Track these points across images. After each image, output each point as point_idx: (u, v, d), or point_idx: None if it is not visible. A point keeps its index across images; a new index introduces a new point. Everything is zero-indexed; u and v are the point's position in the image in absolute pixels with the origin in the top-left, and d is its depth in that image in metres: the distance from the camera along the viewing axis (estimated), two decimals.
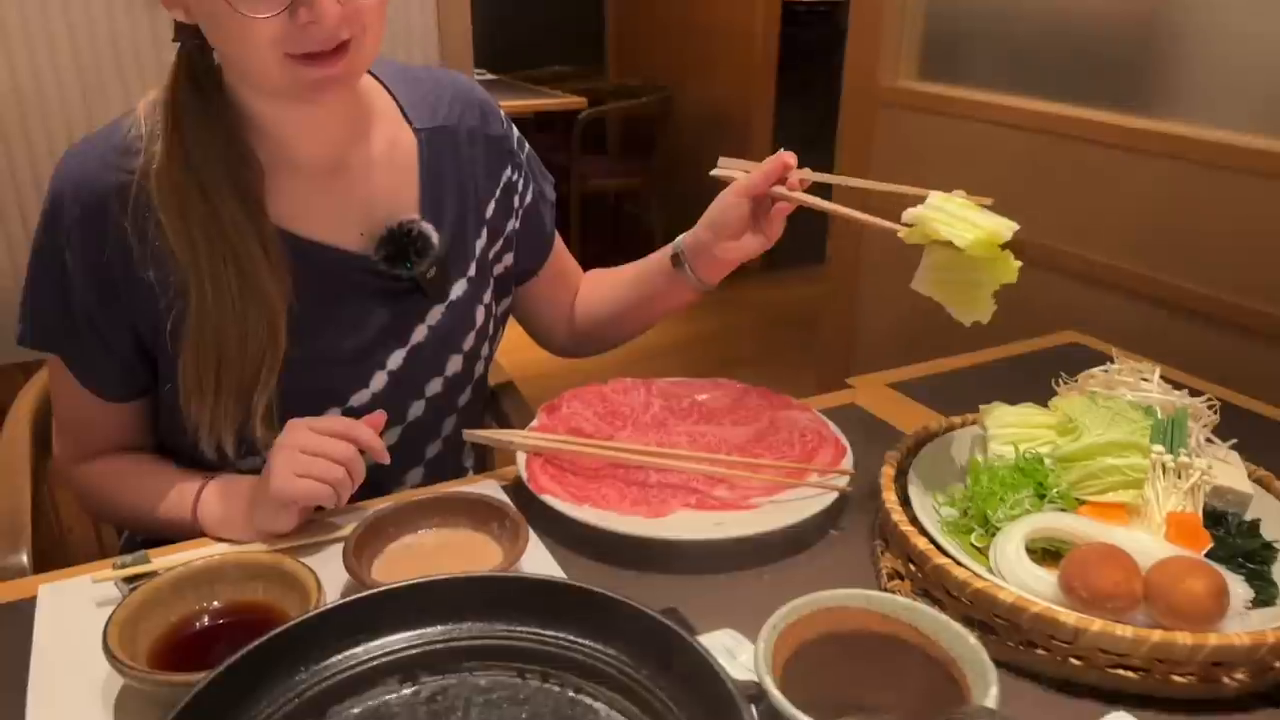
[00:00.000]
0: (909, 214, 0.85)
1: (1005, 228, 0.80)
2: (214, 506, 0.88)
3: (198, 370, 0.87)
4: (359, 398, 0.96)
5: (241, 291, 0.86)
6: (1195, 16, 1.64)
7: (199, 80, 0.87)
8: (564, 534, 0.87)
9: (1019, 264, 0.80)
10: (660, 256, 1.07)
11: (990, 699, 0.52)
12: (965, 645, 0.56)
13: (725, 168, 1.01)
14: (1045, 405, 0.91)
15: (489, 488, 0.95)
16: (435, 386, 1.01)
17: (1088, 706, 0.68)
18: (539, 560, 0.84)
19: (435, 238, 0.96)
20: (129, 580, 0.78)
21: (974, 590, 0.70)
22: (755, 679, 0.56)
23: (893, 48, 2.12)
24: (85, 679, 0.69)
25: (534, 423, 1.01)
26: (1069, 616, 0.67)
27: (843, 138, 2.26)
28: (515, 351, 1.23)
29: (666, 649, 0.58)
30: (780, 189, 0.96)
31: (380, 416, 0.89)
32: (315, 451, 0.83)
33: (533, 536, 0.85)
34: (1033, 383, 0.99)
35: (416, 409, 1.00)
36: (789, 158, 0.96)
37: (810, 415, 1.02)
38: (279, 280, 0.88)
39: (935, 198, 0.85)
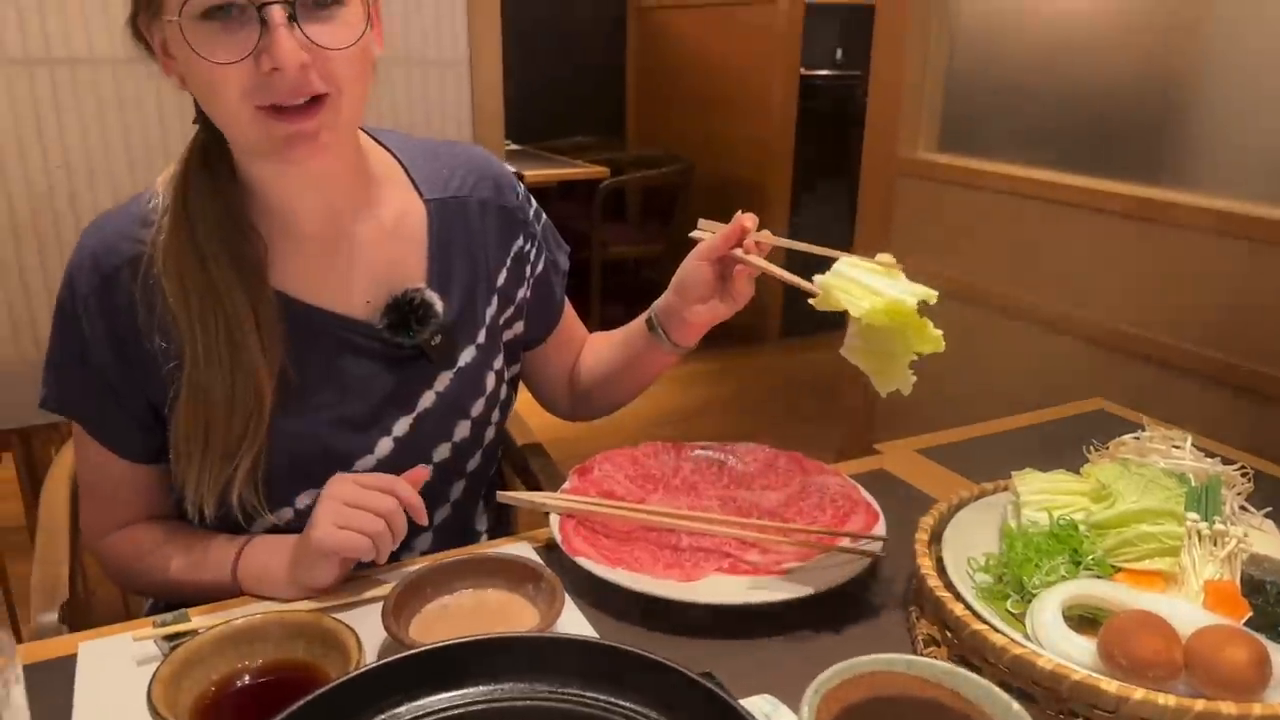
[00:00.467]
0: (817, 280, 0.84)
1: (911, 296, 0.77)
2: (254, 564, 0.89)
3: (187, 431, 0.89)
4: (364, 463, 0.96)
5: (231, 357, 0.88)
6: (1206, 90, 1.68)
7: (209, 154, 0.91)
8: (596, 596, 0.87)
9: (940, 333, 0.78)
10: (640, 321, 1.09)
11: None
12: (1009, 712, 0.56)
13: (703, 229, 1.02)
14: (1076, 472, 0.91)
15: (522, 549, 0.96)
16: (443, 452, 1.01)
17: None
18: (573, 622, 0.84)
19: (439, 306, 0.96)
20: (169, 639, 0.79)
21: (1013, 657, 0.70)
22: None
23: (912, 120, 2.17)
24: None
25: (565, 485, 1.02)
26: (1110, 685, 0.66)
27: (863, 206, 2.30)
28: (542, 413, 1.24)
29: (712, 713, 0.58)
30: (738, 252, 0.96)
31: (422, 472, 0.90)
32: (357, 504, 0.85)
33: (569, 600, 0.85)
34: (1062, 450, 1.00)
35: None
36: (748, 220, 0.96)
37: (841, 480, 1.02)
38: (271, 349, 0.89)
39: (842, 262, 0.83)
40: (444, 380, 0.99)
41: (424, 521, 0.89)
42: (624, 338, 1.13)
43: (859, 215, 2.31)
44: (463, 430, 1.02)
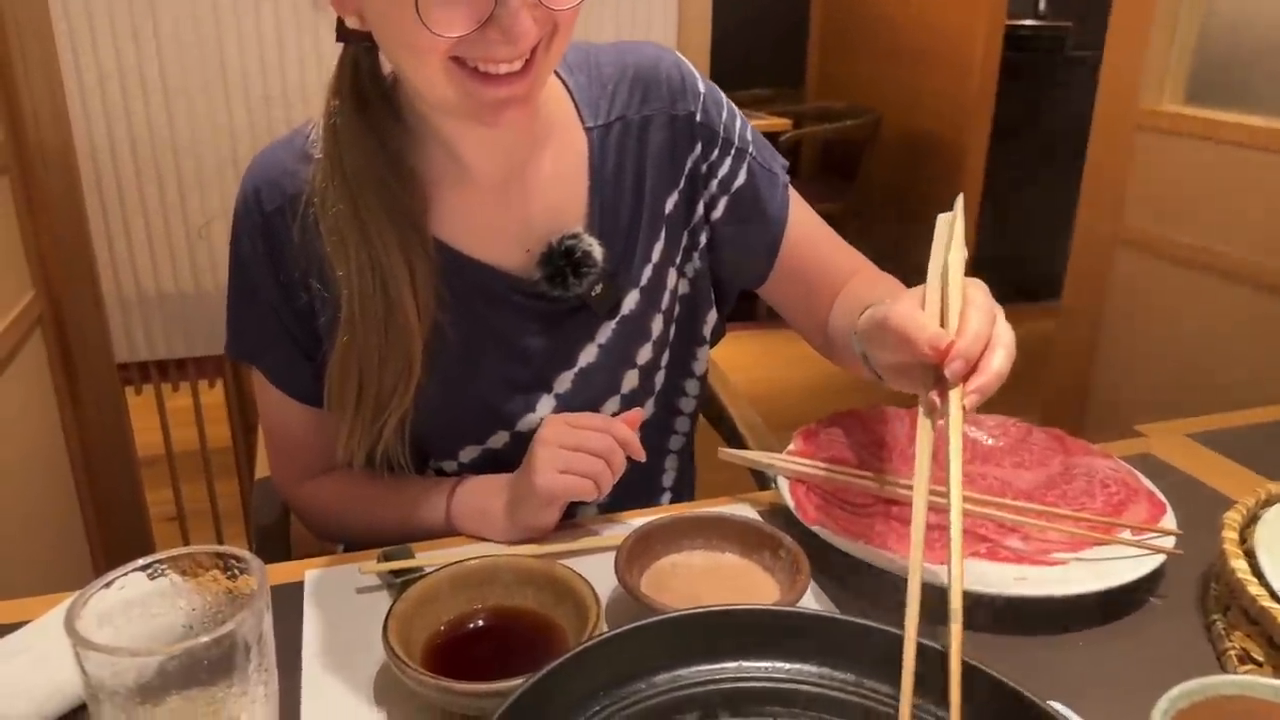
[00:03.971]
0: None
1: None
2: (471, 507, 0.86)
3: (339, 386, 0.85)
4: (526, 422, 0.91)
5: (386, 314, 0.82)
6: None
7: (363, 88, 0.82)
8: (829, 570, 0.79)
9: None
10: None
11: None
12: None
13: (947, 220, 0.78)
14: None
15: (742, 510, 0.89)
16: (612, 406, 0.94)
17: None
18: (809, 600, 0.76)
19: (598, 253, 0.87)
20: (394, 573, 0.77)
21: None
22: None
23: (1158, 67, 1.93)
24: (356, 674, 0.67)
25: (791, 447, 0.94)
26: None
27: (1092, 165, 2.08)
28: (742, 370, 1.16)
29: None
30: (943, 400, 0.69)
31: (638, 414, 0.85)
32: (575, 446, 0.81)
33: None
34: None
35: None
36: (958, 359, 0.66)
37: (1113, 463, 0.90)
38: (425, 306, 0.83)
39: None
40: (606, 331, 0.92)
41: (643, 458, 0.84)
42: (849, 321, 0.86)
43: (1086, 174, 2.09)
44: (631, 380, 0.94)
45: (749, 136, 0.96)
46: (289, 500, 0.98)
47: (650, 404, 0.98)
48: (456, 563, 0.71)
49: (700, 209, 0.95)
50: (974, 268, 0.80)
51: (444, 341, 0.86)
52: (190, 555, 0.57)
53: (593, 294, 0.89)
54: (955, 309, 0.68)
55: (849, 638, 0.55)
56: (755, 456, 0.91)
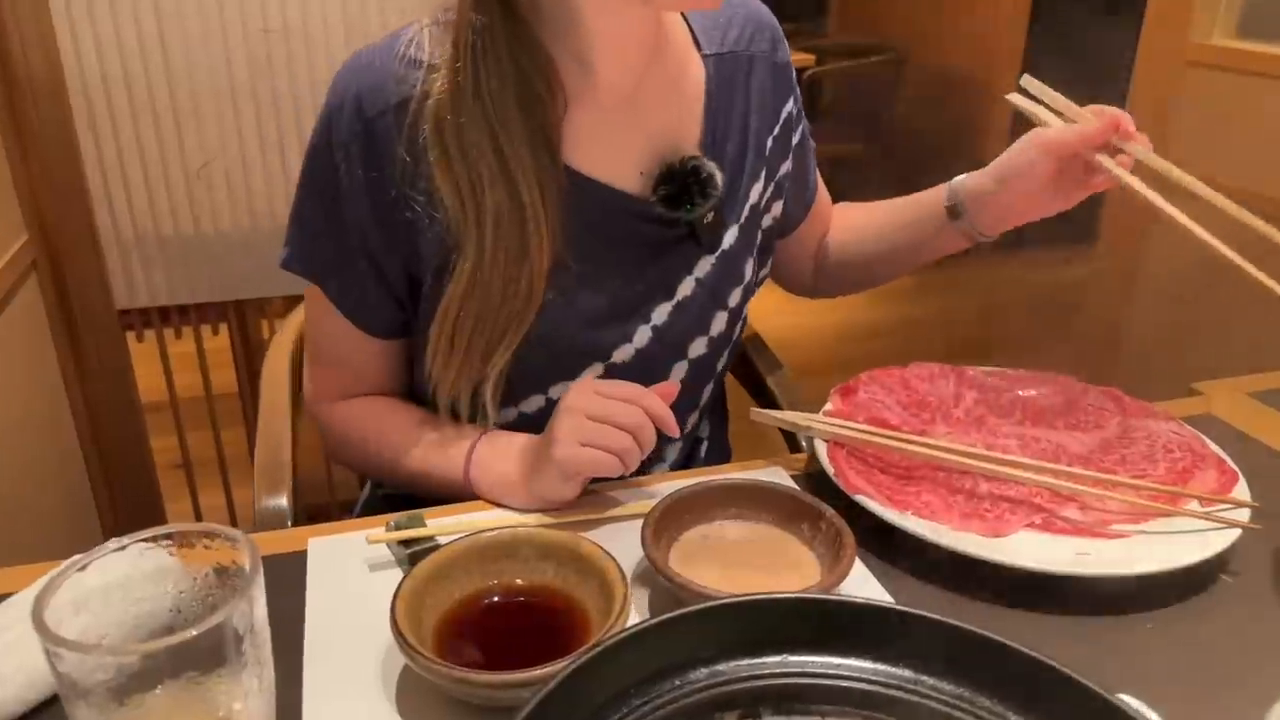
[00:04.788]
0: None
1: None
2: (491, 471, 0.80)
3: (454, 323, 0.79)
4: (622, 353, 0.86)
5: (520, 251, 0.78)
6: None
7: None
8: (871, 542, 0.73)
9: None
10: (931, 200, 0.93)
11: None
12: None
13: (1030, 91, 0.84)
14: None
15: (775, 475, 0.83)
16: (699, 347, 0.91)
17: None
18: (854, 574, 0.70)
19: (719, 178, 0.85)
20: (404, 544, 0.71)
21: None
22: None
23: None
24: (361, 652, 0.62)
25: (827, 406, 0.88)
26: None
27: (1134, 103, 1.97)
28: (763, 318, 1.12)
29: None
30: (1105, 159, 0.79)
31: (673, 387, 0.78)
32: (602, 418, 0.74)
33: None
34: None
35: (679, 371, 0.91)
36: (1125, 120, 0.79)
37: (1176, 426, 0.83)
38: (551, 234, 0.79)
39: None
40: (705, 265, 0.88)
41: (676, 434, 0.77)
42: (908, 216, 0.97)
43: (1129, 110, 1.98)
44: (719, 324, 0.91)
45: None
46: (317, 417, 0.94)
47: (726, 355, 0.96)
48: (471, 534, 0.65)
49: (787, 160, 0.96)
50: None
51: (559, 271, 0.81)
52: (177, 533, 0.51)
53: (704, 221, 0.87)
54: None
55: (906, 630, 0.49)
56: (791, 418, 0.84)
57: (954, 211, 0.90)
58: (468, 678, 0.54)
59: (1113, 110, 0.80)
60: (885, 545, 0.73)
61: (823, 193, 1.06)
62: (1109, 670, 0.59)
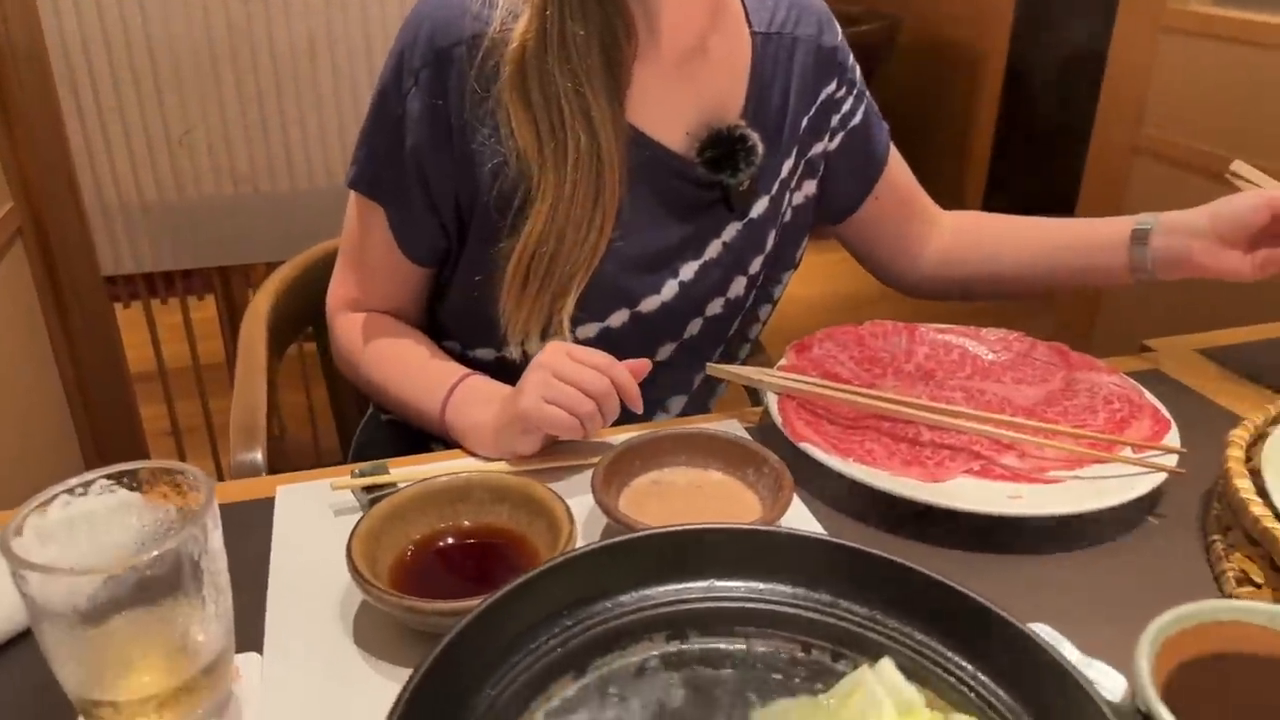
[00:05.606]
0: None
1: None
2: (464, 417, 0.84)
3: (529, 262, 0.84)
4: (649, 303, 0.91)
5: (596, 190, 0.83)
6: None
7: None
8: (817, 489, 0.77)
9: None
10: (1108, 227, 0.94)
11: None
12: None
13: (1242, 175, 0.91)
14: None
15: (730, 427, 0.86)
16: (716, 307, 0.95)
17: None
18: (797, 517, 0.74)
19: (760, 148, 0.90)
20: (367, 490, 0.75)
21: None
22: (1121, 700, 0.45)
23: None
24: (323, 589, 0.65)
25: (782, 362, 0.91)
26: None
27: (1112, 70, 1.99)
28: None
29: (999, 644, 0.47)
30: None
31: (644, 365, 0.80)
32: (570, 380, 0.77)
33: None
34: None
35: (694, 328, 0.95)
36: None
37: (1118, 379, 0.86)
38: (622, 179, 0.85)
39: None
40: (732, 230, 0.93)
41: (640, 410, 0.80)
42: (1070, 237, 0.98)
43: (1106, 79, 2.00)
44: (738, 287, 0.95)
45: (862, 79, 1.03)
46: (330, 319, 0.98)
47: (738, 321, 0.99)
48: (426, 479, 0.68)
49: (824, 140, 0.99)
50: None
51: (617, 219, 0.86)
52: (139, 470, 0.54)
53: (741, 188, 0.91)
54: None
55: (824, 558, 0.53)
56: (743, 371, 0.87)
57: (1140, 236, 0.90)
58: (416, 606, 0.57)
59: None
60: (830, 490, 0.76)
61: (917, 192, 1.07)
62: (1027, 602, 0.61)
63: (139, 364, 1.82)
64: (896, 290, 1.12)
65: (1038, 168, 3.58)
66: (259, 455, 0.92)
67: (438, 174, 0.86)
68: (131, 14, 1.45)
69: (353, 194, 0.92)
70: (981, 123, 3.50)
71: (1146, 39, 1.90)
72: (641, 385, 0.91)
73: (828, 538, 0.54)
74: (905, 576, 0.51)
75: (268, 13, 1.52)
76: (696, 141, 0.90)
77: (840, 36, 1.00)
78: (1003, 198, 3.55)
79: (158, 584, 0.49)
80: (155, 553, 0.48)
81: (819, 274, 1.18)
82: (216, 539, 0.52)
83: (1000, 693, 0.47)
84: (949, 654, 0.49)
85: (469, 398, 0.85)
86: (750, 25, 0.94)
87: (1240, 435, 0.73)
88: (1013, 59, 3.50)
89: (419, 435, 0.93)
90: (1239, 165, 0.92)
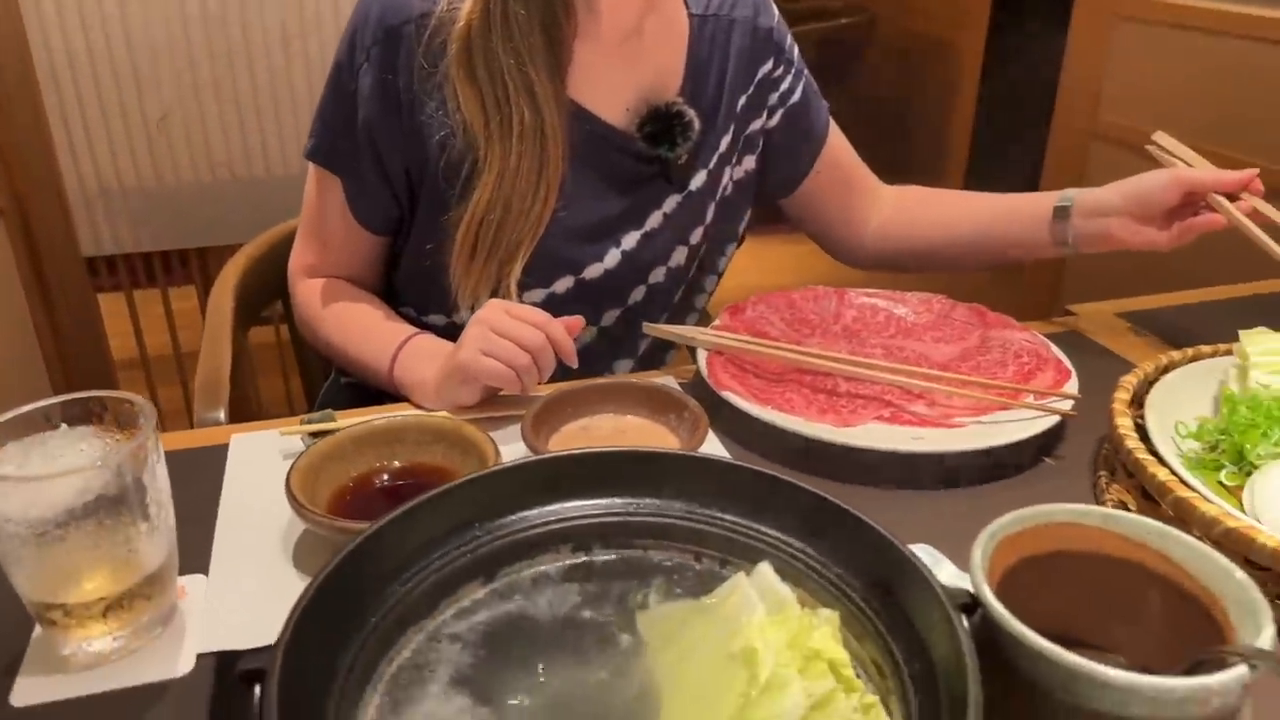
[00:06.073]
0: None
1: None
2: (410, 372, 0.89)
3: (477, 231, 0.89)
4: (593, 270, 0.96)
5: (540, 162, 0.88)
6: None
7: None
8: (743, 436, 0.82)
9: None
10: (1032, 202, 0.99)
11: (1265, 641, 0.43)
12: (1229, 581, 0.47)
13: (1163, 146, 0.95)
14: None
15: (666, 382, 0.91)
16: (658, 276, 1.00)
17: None
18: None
19: (697, 124, 0.95)
20: (314, 436, 0.80)
21: (1226, 529, 0.60)
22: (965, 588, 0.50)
23: None
24: (267, 523, 0.70)
25: (716, 322, 0.96)
26: None
27: (1070, 56, 2.04)
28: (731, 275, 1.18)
29: (862, 546, 0.52)
30: (1223, 200, 0.88)
31: (578, 321, 0.85)
32: (506, 334, 0.82)
33: (710, 435, 0.80)
34: None
35: (637, 294, 1.00)
36: (1258, 182, 0.89)
37: (1028, 335, 0.91)
38: (565, 151, 0.90)
39: None
40: (672, 202, 0.98)
41: (574, 364, 0.85)
42: (998, 212, 1.03)
43: (1066, 67, 2.05)
44: (679, 257, 1.01)
45: (801, 57, 1.07)
46: (291, 285, 1.04)
47: (682, 289, 1.04)
48: (365, 420, 0.73)
49: (762, 117, 1.03)
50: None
51: (560, 191, 0.91)
52: (89, 400, 0.59)
53: (678, 162, 0.96)
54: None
55: (714, 476, 0.58)
56: (676, 330, 0.92)
57: (1061, 212, 0.95)
58: (347, 527, 0.62)
59: (1250, 170, 0.89)
60: (748, 437, 0.81)
61: (859, 169, 1.12)
62: (918, 529, 0.66)
63: (121, 352, 1.87)
64: (843, 263, 1.17)
65: (1015, 158, 3.63)
66: (221, 414, 0.97)
67: (388, 145, 0.91)
68: (110, 1, 1.50)
69: (311, 166, 0.97)
70: (960, 114, 3.55)
71: (1103, 26, 1.95)
72: (589, 350, 0.97)
73: (717, 457, 0.59)
74: (782, 490, 0.56)
75: (242, 1, 1.57)
76: (636, 117, 0.95)
77: (777, 18, 1.04)
78: (981, 188, 3.59)
79: (104, 500, 0.54)
80: (99, 463, 0.53)
81: (790, 265, 1.22)
82: (158, 460, 0.57)
83: (857, 584, 0.52)
84: (819, 556, 0.54)
85: (415, 354, 0.90)
86: (688, 7, 0.98)
87: (1129, 380, 0.78)
88: (990, 50, 3.56)
89: (378, 397, 0.98)
90: (1160, 137, 0.97)
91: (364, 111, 0.91)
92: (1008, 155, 3.62)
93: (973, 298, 0.99)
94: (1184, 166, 0.92)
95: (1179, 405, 0.76)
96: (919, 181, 1.13)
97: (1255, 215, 0.88)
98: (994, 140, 3.59)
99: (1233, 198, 0.89)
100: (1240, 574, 0.47)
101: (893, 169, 1.14)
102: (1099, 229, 0.93)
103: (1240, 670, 0.41)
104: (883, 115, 3.82)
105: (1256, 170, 0.89)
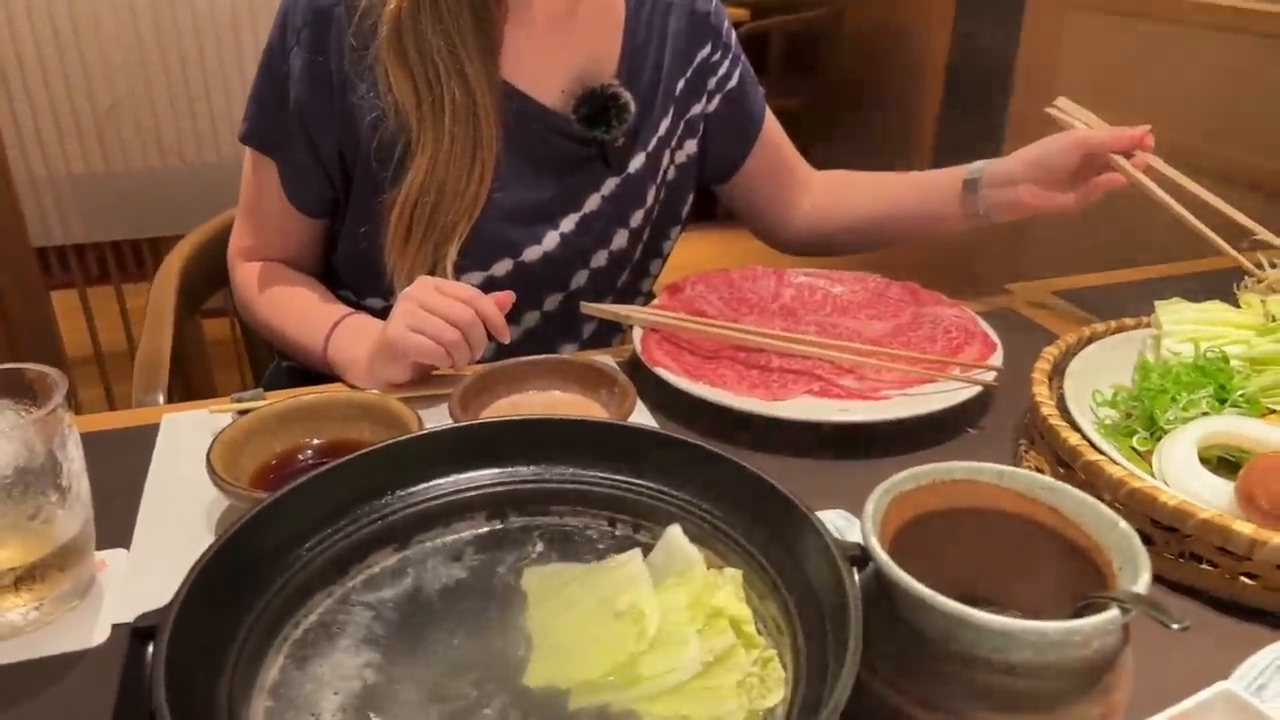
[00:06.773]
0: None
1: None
2: (343, 352, 0.89)
3: (411, 212, 0.89)
4: (531, 253, 0.96)
5: (473, 143, 0.88)
6: None
7: None
8: (676, 411, 0.83)
9: None
10: (944, 176, 1.01)
11: (1140, 586, 0.44)
12: (1114, 531, 0.48)
13: (1064, 110, 0.97)
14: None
15: (603, 360, 0.92)
16: (600, 259, 1.01)
17: (1256, 632, 0.59)
18: None
19: (633, 107, 0.96)
20: (244, 413, 0.80)
21: (1131, 490, 0.61)
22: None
23: None
24: (192, 498, 0.70)
25: (655, 302, 0.97)
26: (1245, 526, 0.57)
27: (1024, 46, 2.06)
28: (696, 266, 1.19)
29: (766, 507, 0.53)
30: (1121, 160, 0.90)
31: (509, 296, 0.85)
32: (435, 310, 0.82)
33: (641, 407, 0.81)
34: (1227, 296, 0.87)
35: (579, 279, 1.00)
36: (1149, 138, 0.91)
37: (959, 311, 0.93)
38: (499, 132, 0.90)
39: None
40: (610, 185, 0.98)
41: (505, 339, 0.85)
42: (908, 188, 1.05)
43: (1020, 55, 2.07)
44: (620, 239, 1.01)
45: (738, 43, 1.08)
46: (230, 268, 1.04)
47: (628, 272, 1.05)
48: (293, 397, 0.74)
49: (701, 101, 1.04)
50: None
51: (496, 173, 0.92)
52: (4, 371, 0.59)
53: (615, 144, 0.96)
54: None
55: (628, 443, 0.58)
56: (612, 308, 0.93)
57: (970, 185, 0.97)
58: (258, 496, 0.62)
59: (1142, 127, 0.91)
60: (681, 413, 0.82)
61: (793, 157, 1.13)
62: (835, 496, 0.67)
63: (76, 350, 1.85)
64: (775, 248, 1.18)
65: (980, 139, 3.66)
66: (160, 397, 0.97)
67: (320, 128, 0.92)
68: None
69: (247, 149, 0.97)
70: (929, 97, 3.58)
71: (1054, 14, 1.98)
72: (532, 334, 0.97)
73: (629, 424, 0.59)
74: (693, 455, 0.57)
75: None
76: (572, 99, 0.95)
77: (715, 2, 1.05)
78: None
79: (16, 469, 0.54)
80: (5, 434, 0.53)
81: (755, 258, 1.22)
82: (70, 430, 0.57)
83: (760, 542, 0.53)
84: (725, 518, 0.55)
85: (348, 333, 0.90)
86: None
87: (1051, 351, 0.79)
88: (954, 37, 3.58)
89: (318, 379, 0.97)
90: (1062, 101, 0.98)
91: (295, 93, 0.91)
92: (973, 137, 3.66)
93: (932, 285, 1.00)
94: (1084, 128, 0.93)
95: (1098, 375, 0.77)
96: (889, 165, 1.15)
97: (1150, 171, 0.90)
98: (959, 122, 3.62)
99: (1130, 156, 0.90)
100: (1124, 524, 0.48)
101: (865, 152, 1.15)
102: (1008, 198, 0.95)
103: (1112, 614, 0.43)
104: (853, 101, 3.84)
105: (1148, 127, 0.91)
